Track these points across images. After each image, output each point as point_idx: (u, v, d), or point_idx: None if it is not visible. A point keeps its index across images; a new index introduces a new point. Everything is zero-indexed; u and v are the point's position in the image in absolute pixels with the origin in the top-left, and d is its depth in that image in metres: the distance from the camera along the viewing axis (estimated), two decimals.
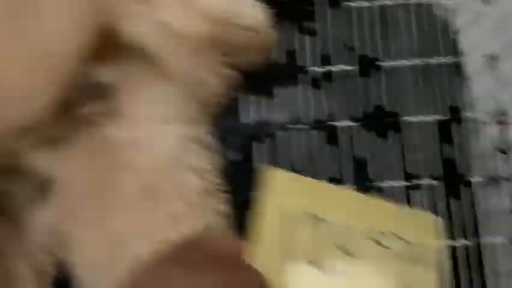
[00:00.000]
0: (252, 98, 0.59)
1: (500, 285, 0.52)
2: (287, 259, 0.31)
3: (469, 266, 0.54)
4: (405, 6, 0.60)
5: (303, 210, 0.32)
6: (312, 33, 0.60)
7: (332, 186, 0.41)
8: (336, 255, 0.32)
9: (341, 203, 0.34)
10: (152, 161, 0.32)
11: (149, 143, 0.32)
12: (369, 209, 0.35)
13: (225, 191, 0.36)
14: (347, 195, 0.37)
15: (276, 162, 0.56)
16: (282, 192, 0.33)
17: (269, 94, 0.59)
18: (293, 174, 0.36)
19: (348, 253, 0.33)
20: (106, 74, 0.33)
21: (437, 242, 0.36)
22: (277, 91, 0.59)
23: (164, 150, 0.33)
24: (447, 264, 0.42)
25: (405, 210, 0.41)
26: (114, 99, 0.33)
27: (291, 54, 0.59)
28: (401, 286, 0.34)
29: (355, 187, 0.55)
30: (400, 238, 0.35)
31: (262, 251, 0.30)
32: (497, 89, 0.54)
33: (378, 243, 0.34)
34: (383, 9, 0.61)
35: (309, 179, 0.36)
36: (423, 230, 0.36)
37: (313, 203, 0.33)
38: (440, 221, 0.37)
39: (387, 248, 0.34)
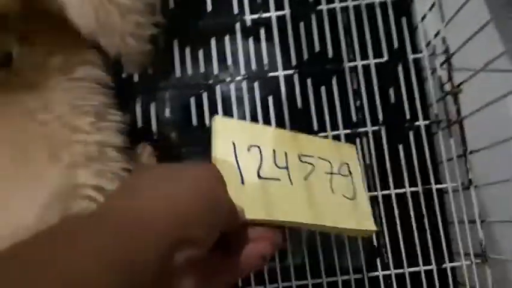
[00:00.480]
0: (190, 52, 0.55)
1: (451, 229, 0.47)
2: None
3: (420, 212, 0.48)
4: None
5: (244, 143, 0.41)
6: None
7: (267, 127, 0.46)
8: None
9: (274, 137, 0.44)
10: None
11: None
12: (298, 139, 0.45)
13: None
14: (280, 132, 0.45)
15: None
16: (229, 132, 0.41)
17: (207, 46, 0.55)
18: (236, 120, 0.48)
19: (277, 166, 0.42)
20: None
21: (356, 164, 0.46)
22: (215, 43, 0.54)
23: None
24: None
25: (331, 141, 0.50)
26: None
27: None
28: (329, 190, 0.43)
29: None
30: (324, 159, 0.44)
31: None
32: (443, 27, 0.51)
33: (304, 161, 0.43)
34: None
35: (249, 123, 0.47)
36: (346, 155, 0.46)
37: (251, 138, 0.42)
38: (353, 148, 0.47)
39: (312, 164, 0.43)
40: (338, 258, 0.47)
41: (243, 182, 0.39)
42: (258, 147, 0.43)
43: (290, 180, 0.42)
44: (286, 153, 0.44)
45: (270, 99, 0.53)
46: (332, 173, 0.45)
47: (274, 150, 0.43)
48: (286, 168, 0.43)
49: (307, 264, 0.48)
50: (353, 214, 0.43)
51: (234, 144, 0.41)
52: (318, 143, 0.46)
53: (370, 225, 0.43)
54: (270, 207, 0.39)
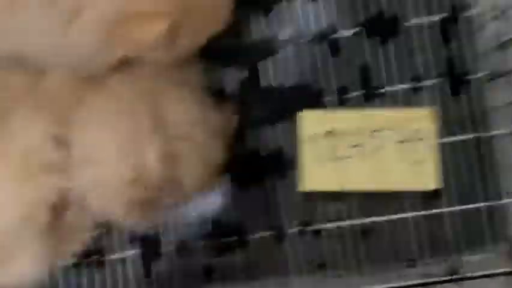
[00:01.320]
0: (252, 17, 0.60)
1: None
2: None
3: (480, 159, 0.57)
4: None
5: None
6: None
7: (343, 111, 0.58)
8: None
9: (349, 119, 0.57)
10: None
11: None
12: (372, 116, 0.57)
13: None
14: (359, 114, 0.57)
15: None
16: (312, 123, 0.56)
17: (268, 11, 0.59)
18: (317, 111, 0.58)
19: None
20: None
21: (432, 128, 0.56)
22: (277, 7, 0.59)
23: None
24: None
25: (405, 109, 0.58)
26: None
27: None
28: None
29: (361, 94, 0.58)
30: (395, 130, 0.56)
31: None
32: None
33: (376, 136, 0.56)
34: None
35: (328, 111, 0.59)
36: (420, 120, 0.56)
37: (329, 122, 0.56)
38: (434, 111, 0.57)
39: (383, 137, 0.56)
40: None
41: (321, 165, 0.56)
42: (334, 131, 0.57)
43: (362, 155, 0.56)
44: (360, 133, 0.56)
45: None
46: (403, 141, 0.56)
47: (349, 132, 0.57)
48: (359, 146, 0.56)
49: None
50: (417, 176, 0.56)
51: (313, 133, 0.57)
52: (390, 115, 0.57)
53: (431, 185, 0.56)
54: (344, 180, 0.56)
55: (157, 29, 0.40)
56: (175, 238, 0.58)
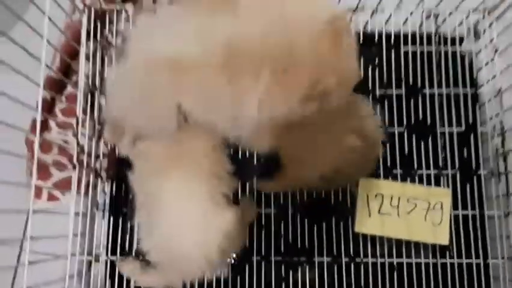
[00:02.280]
0: None
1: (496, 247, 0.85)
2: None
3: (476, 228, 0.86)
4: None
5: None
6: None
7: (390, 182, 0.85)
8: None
9: (393, 188, 0.83)
10: None
11: None
12: (410, 188, 0.85)
13: None
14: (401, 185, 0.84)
15: None
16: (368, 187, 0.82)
17: None
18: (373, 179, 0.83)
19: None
20: None
21: (447, 200, 0.84)
22: None
23: None
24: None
25: (432, 187, 0.86)
26: None
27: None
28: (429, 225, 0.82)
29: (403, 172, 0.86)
30: (424, 200, 0.84)
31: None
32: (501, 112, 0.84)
33: (410, 202, 0.84)
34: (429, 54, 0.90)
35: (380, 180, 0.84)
36: (442, 196, 0.84)
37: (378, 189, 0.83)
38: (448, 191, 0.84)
39: (415, 204, 0.83)
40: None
41: (370, 216, 0.83)
42: (382, 194, 0.83)
43: (398, 214, 0.83)
44: (399, 198, 0.84)
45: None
46: (428, 209, 0.84)
47: (391, 196, 0.84)
48: (397, 207, 0.83)
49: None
50: (435, 233, 0.84)
51: (367, 193, 0.84)
52: (423, 189, 0.85)
53: (444, 240, 0.83)
54: (383, 229, 0.82)
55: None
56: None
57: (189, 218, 0.61)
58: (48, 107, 0.91)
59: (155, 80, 0.53)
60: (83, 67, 0.88)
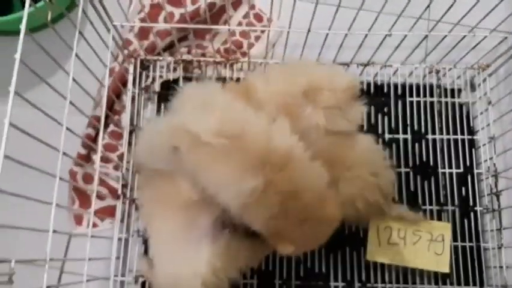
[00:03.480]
0: None
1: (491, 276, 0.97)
2: None
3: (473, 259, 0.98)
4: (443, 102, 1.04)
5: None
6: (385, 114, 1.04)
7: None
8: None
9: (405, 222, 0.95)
10: None
11: None
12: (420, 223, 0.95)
13: None
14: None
15: None
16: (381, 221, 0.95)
17: None
18: None
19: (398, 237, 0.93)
20: None
21: (447, 233, 0.95)
22: None
23: None
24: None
25: (435, 222, 0.98)
26: None
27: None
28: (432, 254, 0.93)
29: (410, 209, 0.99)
30: (428, 232, 0.94)
31: None
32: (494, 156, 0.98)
33: (415, 234, 0.95)
34: (431, 104, 1.04)
35: None
36: (443, 229, 0.95)
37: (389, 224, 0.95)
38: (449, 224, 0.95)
39: (420, 236, 0.95)
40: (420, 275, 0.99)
41: (380, 245, 0.94)
42: (390, 227, 0.95)
43: (405, 245, 0.95)
44: (406, 230, 0.96)
45: None
46: (431, 240, 0.96)
47: (399, 228, 0.95)
48: (404, 238, 0.95)
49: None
50: (437, 262, 0.95)
51: (377, 225, 0.95)
52: (427, 223, 0.96)
53: (445, 269, 0.95)
54: (391, 257, 0.93)
55: None
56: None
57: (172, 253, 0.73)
58: (92, 142, 1.03)
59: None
60: (129, 107, 1.00)
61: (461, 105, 1.07)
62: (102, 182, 1.05)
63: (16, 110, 0.56)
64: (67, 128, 0.72)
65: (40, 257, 0.67)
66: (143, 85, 1.05)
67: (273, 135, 0.63)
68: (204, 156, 0.62)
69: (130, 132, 1.02)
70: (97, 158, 0.99)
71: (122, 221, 0.96)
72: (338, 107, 0.76)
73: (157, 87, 1.07)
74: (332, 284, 0.96)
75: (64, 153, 0.71)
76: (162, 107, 1.04)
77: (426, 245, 0.96)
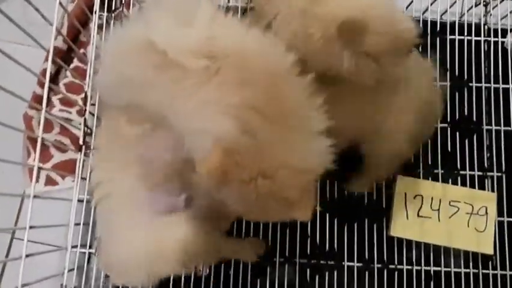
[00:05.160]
0: None
1: None
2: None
3: None
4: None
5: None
6: None
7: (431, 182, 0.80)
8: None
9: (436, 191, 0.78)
10: None
11: None
12: (452, 190, 0.79)
13: None
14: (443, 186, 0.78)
15: None
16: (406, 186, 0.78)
17: None
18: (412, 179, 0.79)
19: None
20: None
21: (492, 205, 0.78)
22: None
23: None
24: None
25: (477, 190, 0.80)
26: None
27: None
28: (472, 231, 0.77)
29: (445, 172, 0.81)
30: (468, 203, 0.78)
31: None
32: None
33: (452, 205, 0.79)
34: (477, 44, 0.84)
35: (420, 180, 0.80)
36: (487, 200, 0.79)
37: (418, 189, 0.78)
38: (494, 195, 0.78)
39: (457, 207, 0.78)
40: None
41: (407, 218, 0.77)
42: (421, 195, 0.78)
43: (438, 219, 0.78)
44: (440, 200, 0.78)
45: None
46: (471, 213, 0.78)
47: (432, 198, 0.78)
48: (438, 210, 0.78)
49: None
50: (478, 241, 0.78)
51: (405, 193, 0.78)
52: (466, 192, 0.79)
53: (488, 249, 0.77)
54: (421, 234, 0.77)
55: None
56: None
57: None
58: (52, 81, 0.83)
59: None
60: (95, 37, 0.79)
61: None
62: (64, 130, 0.86)
63: None
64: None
65: None
66: (114, 9, 0.84)
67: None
68: (175, 85, 0.49)
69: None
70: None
71: (84, 178, 0.76)
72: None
73: (131, 12, 0.85)
74: (346, 264, 0.79)
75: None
76: None
77: (465, 220, 0.79)
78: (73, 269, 0.75)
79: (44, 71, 0.80)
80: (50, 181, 0.85)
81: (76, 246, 0.76)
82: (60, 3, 0.66)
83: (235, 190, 0.47)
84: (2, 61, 0.55)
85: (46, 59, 0.84)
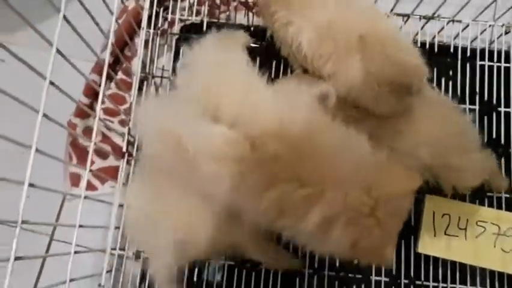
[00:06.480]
0: None
1: None
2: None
3: None
4: None
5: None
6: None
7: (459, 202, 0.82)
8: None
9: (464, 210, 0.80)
10: None
11: None
12: (480, 210, 0.81)
13: None
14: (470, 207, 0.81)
15: None
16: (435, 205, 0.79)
17: None
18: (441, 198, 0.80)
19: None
20: None
21: None
22: None
23: None
24: None
25: (504, 212, 0.82)
26: None
27: None
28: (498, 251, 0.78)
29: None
30: (495, 224, 0.79)
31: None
32: None
33: (479, 225, 0.81)
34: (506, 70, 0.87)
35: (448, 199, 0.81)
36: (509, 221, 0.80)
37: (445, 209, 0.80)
38: None
39: (484, 227, 0.80)
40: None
41: (435, 236, 0.80)
42: (449, 214, 0.80)
43: (465, 237, 0.80)
44: (467, 220, 0.80)
45: None
46: (498, 234, 0.80)
47: (459, 217, 0.80)
48: (465, 229, 0.80)
49: None
50: (503, 261, 0.80)
51: (433, 212, 0.80)
52: (494, 213, 0.81)
53: None
54: (448, 251, 0.79)
55: None
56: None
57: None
58: (96, 92, 0.88)
59: None
60: (141, 51, 0.85)
61: None
62: (105, 138, 0.91)
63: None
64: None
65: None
66: (159, 27, 0.89)
67: None
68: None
69: (141, 81, 0.86)
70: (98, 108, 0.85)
71: (126, 184, 0.80)
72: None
73: (176, 30, 0.90)
74: (373, 278, 0.81)
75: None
76: (181, 54, 0.88)
77: (492, 240, 0.81)
78: (111, 270, 0.78)
79: (89, 84, 0.85)
80: (90, 186, 0.89)
81: (114, 249, 0.79)
82: (116, 20, 0.70)
83: None
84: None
85: (93, 71, 0.90)
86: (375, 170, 0.54)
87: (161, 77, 0.90)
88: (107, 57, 0.70)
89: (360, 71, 0.64)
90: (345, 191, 0.51)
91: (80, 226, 0.67)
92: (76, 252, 0.67)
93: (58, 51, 0.57)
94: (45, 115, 0.55)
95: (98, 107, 0.70)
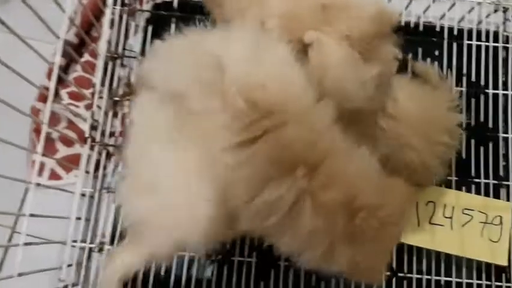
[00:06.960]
0: None
1: None
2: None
3: None
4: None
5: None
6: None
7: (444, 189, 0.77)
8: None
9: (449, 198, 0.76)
10: None
11: None
12: (465, 197, 0.77)
13: None
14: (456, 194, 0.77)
15: None
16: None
17: None
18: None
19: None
20: None
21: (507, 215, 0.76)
22: None
23: None
24: None
25: (491, 199, 0.78)
26: None
27: None
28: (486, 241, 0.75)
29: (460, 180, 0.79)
30: (482, 212, 0.76)
31: None
32: None
33: (465, 213, 0.76)
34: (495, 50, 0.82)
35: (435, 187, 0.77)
36: (501, 209, 0.76)
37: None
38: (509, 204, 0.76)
39: (471, 215, 0.75)
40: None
41: (419, 225, 0.75)
42: (434, 202, 0.76)
43: (451, 227, 0.75)
44: (453, 208, 0.76)
45: None
46: (485, 223, 0.76)
47: (445, 205, 0.76)
48: (451, 218, 0.76)
49: None
50: (492, 252, 0.75)
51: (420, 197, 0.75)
52: (480, 201, 0.77)
53: (502, 261, 0.75)
54: (433, 242, 0.74)
55: None
56: None
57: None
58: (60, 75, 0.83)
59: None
60: (107, 32, 0.79)
61: None
62: (70, 124, 0.85)
63: None
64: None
65: None
66: (127, 2, 0.84)
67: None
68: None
69: (107, 63, 0.81)
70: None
71: (91, 172, 0.76)
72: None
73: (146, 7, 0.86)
74: None
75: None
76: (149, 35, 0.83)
77: (478, 229, 0.77)
78: (72, 264, 0.73)
79: (53, 65, 0.80)
80: (54, 175, 0.84)
81: (76, 241, 0.74)
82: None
83: None
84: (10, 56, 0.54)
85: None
86: (381, 191, 0.50)
87: (129, 57, 0.84)
88: (62, 37, 0.65)
89: (333, 44, 0.59)
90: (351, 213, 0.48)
91: (31, 215, 0.62)
92: (27, 244, 0.62)
93: (14, 33, 0.53)
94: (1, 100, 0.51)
95: (51, 89, 0.65)
